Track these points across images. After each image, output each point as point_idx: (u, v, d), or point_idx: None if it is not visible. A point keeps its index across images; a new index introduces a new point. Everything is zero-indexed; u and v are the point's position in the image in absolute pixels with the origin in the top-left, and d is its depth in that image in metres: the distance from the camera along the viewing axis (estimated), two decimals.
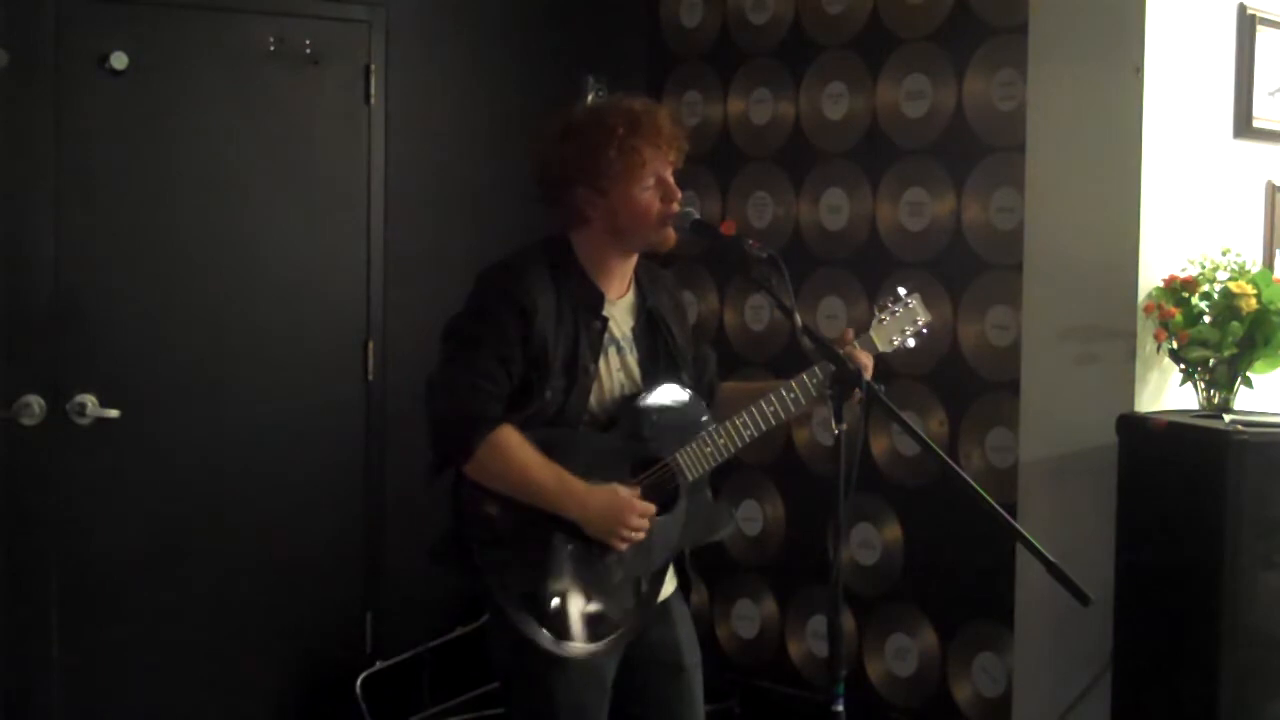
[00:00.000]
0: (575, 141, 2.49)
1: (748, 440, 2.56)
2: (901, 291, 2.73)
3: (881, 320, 2.69)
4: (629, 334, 2.58)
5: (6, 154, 3.49)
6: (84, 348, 3.60)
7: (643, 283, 2.63)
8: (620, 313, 2.57)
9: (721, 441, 2.54)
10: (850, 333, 2.62)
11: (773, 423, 2.56)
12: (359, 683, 3.92)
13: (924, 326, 2.75)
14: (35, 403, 3.50)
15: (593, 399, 2.50)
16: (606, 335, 2.53)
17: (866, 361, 2.58)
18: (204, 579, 3.77)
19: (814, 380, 2.57)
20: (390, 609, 4.05)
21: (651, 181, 2.49)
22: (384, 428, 4.02)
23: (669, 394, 2.59)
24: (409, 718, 3.99)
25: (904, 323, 2.72)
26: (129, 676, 3.68)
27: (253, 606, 3.85)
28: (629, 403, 2.53)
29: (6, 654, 3.53)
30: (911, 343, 2.73)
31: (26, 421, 3.49)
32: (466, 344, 2.43)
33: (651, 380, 2.58)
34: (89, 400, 3.56)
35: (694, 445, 2.53)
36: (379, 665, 3.99)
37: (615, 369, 2.54)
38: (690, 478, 2.54)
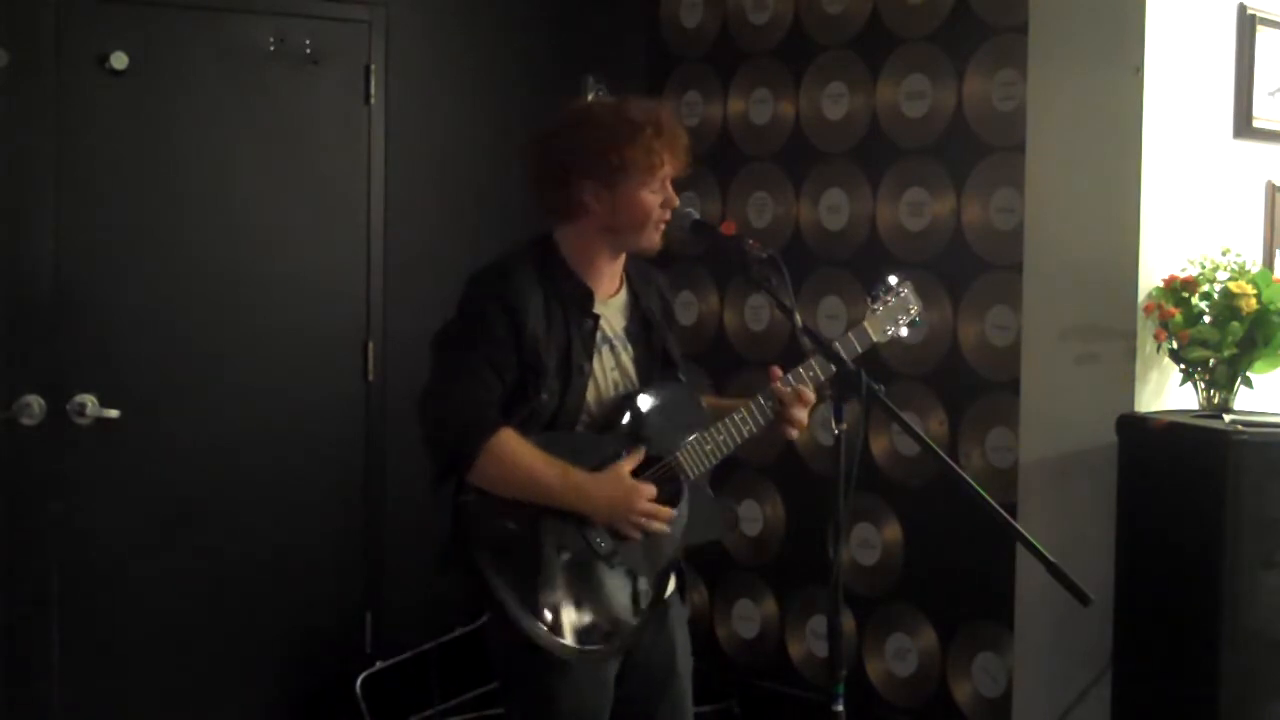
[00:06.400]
0: (597, 133, 2.45)
1: (746, 437, 2.55)
2: (893, 280, 2.73)
3: (875, 310, 2.71)
4: (622, 332, 2.56)
5: (6, 154, 3.49)
6: (84, 348, 3.60)
7: (635, 282, 2.62)
8: (612, 311, 2.56)
9: (721, 438, 2.53)
10: (777, 371, 2.57)
11: (770, 416, 2.56)
12: (359, 683, 3.92)
13: (917, 315, 2.75)
14: (35, 403, 3.50)
15: (589, 399, 2.48)
16: (599, 334, 2.51)
17: (809, 397, 2.55)
18: (204, 579, 3.77)
19: (809, 373, 2.57)
20: (390, 609, 4.05)
21: (659, 186, 2.49)
22: (384, 428, 4.02)
23: (667, 392, 2.58)
24: (409, 718, 3.99)
25: (897, 311, 2.73)
26: (129, 675, 3.68)
27: (253, 606, 3.85)
28: (627, 401, 2.52)
29: (7, 653, 3.53)
30: (905, 332, 2.74)
31: (26, 421, 3.49)
32: (457, 351, 2.42)
33: (648, 378, 2.57)
34: (89, 400, 3.56)
35: (694, 443, 2.52)
36: (379, 665, 3.99)
37: (610, 368, 2.52)
38: (692, 475, 2.52)
